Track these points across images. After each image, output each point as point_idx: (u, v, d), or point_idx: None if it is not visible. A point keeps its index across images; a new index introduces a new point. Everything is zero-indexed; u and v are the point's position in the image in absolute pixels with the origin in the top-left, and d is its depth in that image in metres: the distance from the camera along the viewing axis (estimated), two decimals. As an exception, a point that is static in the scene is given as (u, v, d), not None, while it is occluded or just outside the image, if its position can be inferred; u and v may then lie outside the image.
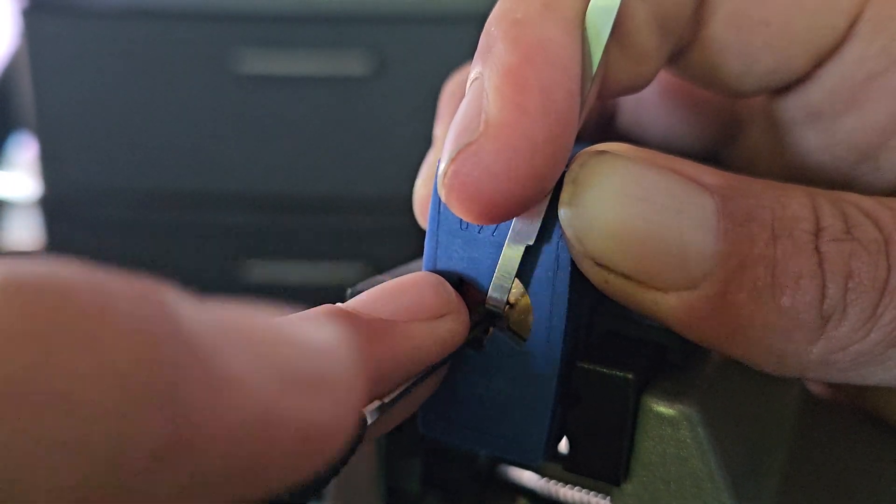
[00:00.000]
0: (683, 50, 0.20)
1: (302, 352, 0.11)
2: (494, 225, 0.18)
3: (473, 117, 0.16)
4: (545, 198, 0.17)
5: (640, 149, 0.18)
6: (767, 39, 0.19)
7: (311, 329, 0.12)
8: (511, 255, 0.17)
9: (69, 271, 0.09)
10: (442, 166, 0.16)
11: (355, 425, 0.11)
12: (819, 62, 0.19)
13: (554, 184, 0.16)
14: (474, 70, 0.17)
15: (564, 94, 0.16)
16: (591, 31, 0.17)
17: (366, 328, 0.16)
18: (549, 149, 0.15)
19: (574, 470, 0.18)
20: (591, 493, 0.20)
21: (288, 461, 0.10)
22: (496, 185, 0.15)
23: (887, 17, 0.18)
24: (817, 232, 0.16)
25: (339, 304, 0.16)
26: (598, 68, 0.17)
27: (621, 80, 0.18)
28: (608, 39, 0.17)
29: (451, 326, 0.17)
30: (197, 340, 0.10)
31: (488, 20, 0.17)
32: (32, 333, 0.08)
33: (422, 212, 0.23)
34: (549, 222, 0.17)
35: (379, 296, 0.17)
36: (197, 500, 0.10)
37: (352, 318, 0.16)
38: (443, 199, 0.16)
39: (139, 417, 0.09)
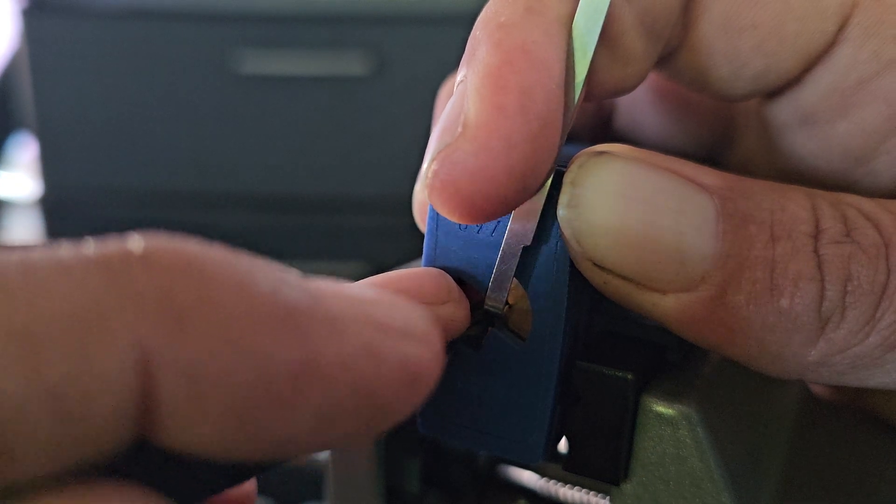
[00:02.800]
0: (673, 53, 0.20)
1: (394, 310, 0.14)
2: (493, 226, 0.18)
3: (455, 119, 0.16)
4: (541, 197, 0.17)
5: (640, 149, 0.18)
6: (756, 43, 0.19)
7: (396, 297, 0.14)
8: (509, 255, 0.18)
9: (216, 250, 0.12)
10: (424, 167, 0.16)
11: (440, 366, 0.14)
12: (809, 66, 0.19)
13: (539, 183, 0.17)
14: (460, 73, 0.17)
15: (544, 94, 0.16)
16: (578, 35, 0.17)
17: None
18: (528, 148, 0.16)
19: (573, 470, 0.18)
20: (591, 492, 0.20)
21: (395, 393, 0.13)
22: (475, 184, 0.16)
23: (877, 21, 0.18)
24: (817, 234, 0.16)
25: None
26: (586, 71, 0.17)
27: (609, 82, 0.18)
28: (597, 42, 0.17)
29: (451, 311, 0.17)
30: (312, 293, 0.13)
31: (475, 24, 0.17)
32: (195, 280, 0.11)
33: (422, 216, 0.23)
34: (548, 222, 0.17)
35: (381, 281, 0.17)
36: (333, 423, 0.12)
37: None
38: (428, 199, 0.16)
39: (276, 342, 0.12)
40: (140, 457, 0.11)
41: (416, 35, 0.86)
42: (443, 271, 0.18)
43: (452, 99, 0.17)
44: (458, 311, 0.17)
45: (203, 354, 0.11)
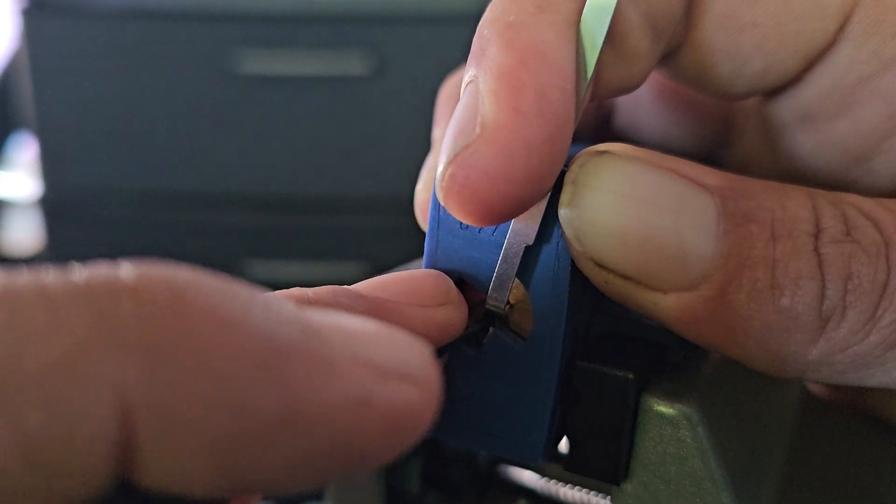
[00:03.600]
0: (674, 51, 0.20)
1: (393, 348, 0.13)
2: (494, 225, 0.18)
3: (469, 120, 0.16)
4: (544, 197, 0.17)
5: (641, 149, 0.18)
6: (756, 41, 0.19)
7: (397, 332, 0.14)
8: (511, 255, 0.18)
9: (203, 276, 0.11)
10: (439, 170, 0.16)
11: (436, 410, 0.13)
12: (809, 64, 0.19)
13: (551, 184, 0.17)
14: (468, 73, 0.17)
15: (559, 94, 0.16)
16: (586, 33, 0.17)
17: (364, 306, 0.16)
18: (546, 149, 0.16)
19: (574, 470, 0.18)
20: (591, 492, 0.20)
21: (383, 441, 0.12)
22: (494, 187, 0.15)
23: (877, 20, 0.18)
24: (817, 233, 0.16)
25: (343, 286, 0.17)
26: (593, 70, 0.17)
27: (613, 81, 0.18)
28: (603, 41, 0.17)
29: (449, 314, 0.17)
30: (307, 331, 0.12)
31: (481, 23, 0.17)
32: (179, 318, 0.11)
33: (423, 216, 0.23)
34: (549, 222, 0.17)
35: (379, 283, 0.17)
36: (308, 468, 0.12)
37: (355, 297, 0.16)
38: (441, 202, 0.16)
39: (259, 387, 0.11)
40: (117, 496, 0.11)
41: (416, 35, 0.86)
42: (441, 273, 0.18)
43: (463, 99, 0.17)
44: (455, 313, 0.17)
45: (181, 396, 0.11)
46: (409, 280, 0.17)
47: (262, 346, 0.11)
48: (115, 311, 0.10)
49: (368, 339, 0.13)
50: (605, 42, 0.17)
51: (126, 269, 0.11)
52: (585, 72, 0.17)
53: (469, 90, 0.16)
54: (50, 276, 0.11)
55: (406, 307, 0.17)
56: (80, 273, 0.11)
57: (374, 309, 0.16)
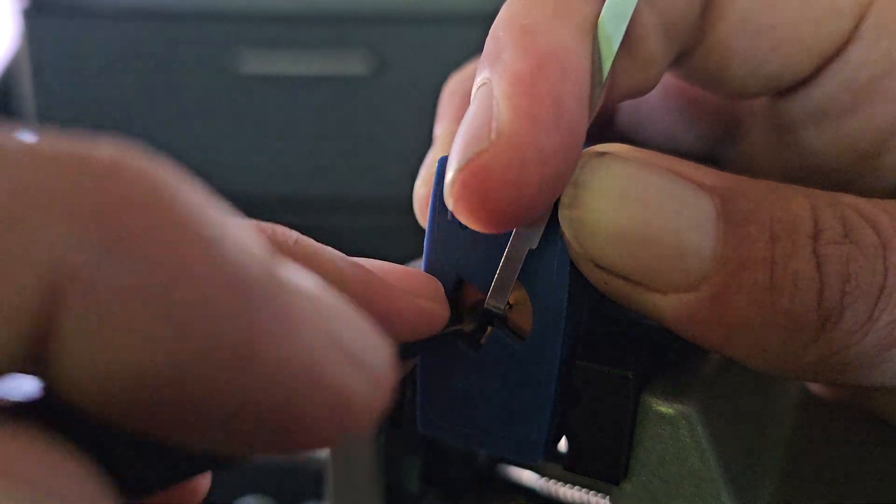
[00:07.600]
0: (688, 53, 0.20)
1: (358, 333, 0.12)
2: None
3: (482, 125, 0.16)
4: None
5: (641, 150, 0.18)
6: (773, 44, 0.19)
7: (366, 321, 0.13)
8: (514, 258, 0.17)
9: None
10: (450, 175, 0.16)
11: (381, 410, 0.12)
12: (823, 64, 0.19)
13: (561, 192, 0.16)
14: (481, 75, 0.17)
15: (575, 103, 0.16)
16: (602, 39, 0.17)
17: (354, 269, 0.16)
18: (560, 158, 0.15)
19: (573, 469, 0.18)
20: (591, 492, 0.20)
21: (319, 422, 0.11)
22: (506, 195, 0.15)
23: (890, 21, 0.18)
24: (816, 235, 0.16)
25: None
26: (607, 75, 0.17)
27: (627, 86, 0.18)
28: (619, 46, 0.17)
29: (432, 305, 0.17)
30: (281, 282, 0.11)
31: (495, 24, 0.17)
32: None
33: (422, 211, 0.23)
34: (552, 226, 0.17)
35: (373, 263, 0.17)
36: (234, 425, 0.11)
37: (349, 261, 0.16)
38: (450, 207, 0.16)
39: (214, 314, 0.10)
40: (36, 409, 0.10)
41: (416, 35, 0.86)
42: (433, 277, 0.18)
43: (475, 103, 0.16)
44: (438, 305, 0.17)
45: (126, 286, 0.09)
46: (396, 270, 0.18)
47: (233, 274, 0.10)
48: (75, 176, 0.09)
49: (337, 314, 0.12)
50: (621, 47, 0.17)
51: (109, 148, 0.10)
52: (600, 77, 0.17)
53: (481, 93, 0.16)
54: (45, 138, 0.10)
55: (393, 287, 0.16)
56: (57, 139, 0.10)
57: (362, 276, 0.16)
